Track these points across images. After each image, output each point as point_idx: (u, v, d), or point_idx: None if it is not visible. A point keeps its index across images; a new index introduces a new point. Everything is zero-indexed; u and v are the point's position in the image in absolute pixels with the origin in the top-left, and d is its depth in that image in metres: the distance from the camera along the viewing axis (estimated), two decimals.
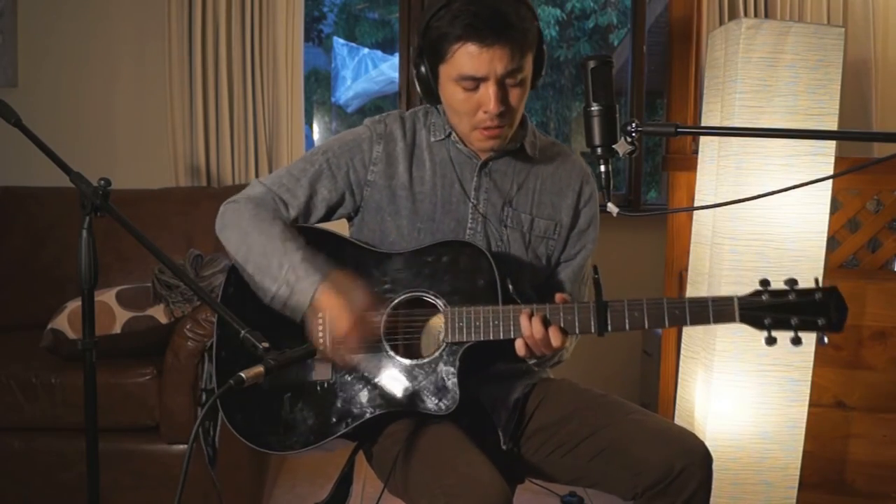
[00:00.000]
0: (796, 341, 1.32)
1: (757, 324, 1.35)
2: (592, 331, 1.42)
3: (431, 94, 1.55)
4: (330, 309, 1.45)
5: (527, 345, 1.43)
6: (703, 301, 1.38)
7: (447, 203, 1.59)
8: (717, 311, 1.37)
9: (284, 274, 1.46)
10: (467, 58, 1.43)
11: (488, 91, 1.45)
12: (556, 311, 1.43)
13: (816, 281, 1.34)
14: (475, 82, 1.46)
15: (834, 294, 1.33)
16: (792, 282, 1.34)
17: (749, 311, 1.35)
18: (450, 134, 1.60)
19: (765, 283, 1.35)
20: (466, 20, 1.41)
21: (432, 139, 1.62)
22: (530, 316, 1.42)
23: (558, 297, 1.46)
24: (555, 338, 1.41)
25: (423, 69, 1.52)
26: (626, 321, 1.40)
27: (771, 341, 1.34)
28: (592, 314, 1.41)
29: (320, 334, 1.47)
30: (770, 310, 1.34)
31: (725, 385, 2.13)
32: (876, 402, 2.33)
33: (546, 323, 1.41)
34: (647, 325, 1.39)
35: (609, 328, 1.40)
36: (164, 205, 2.88)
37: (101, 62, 3.24)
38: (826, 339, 1.32)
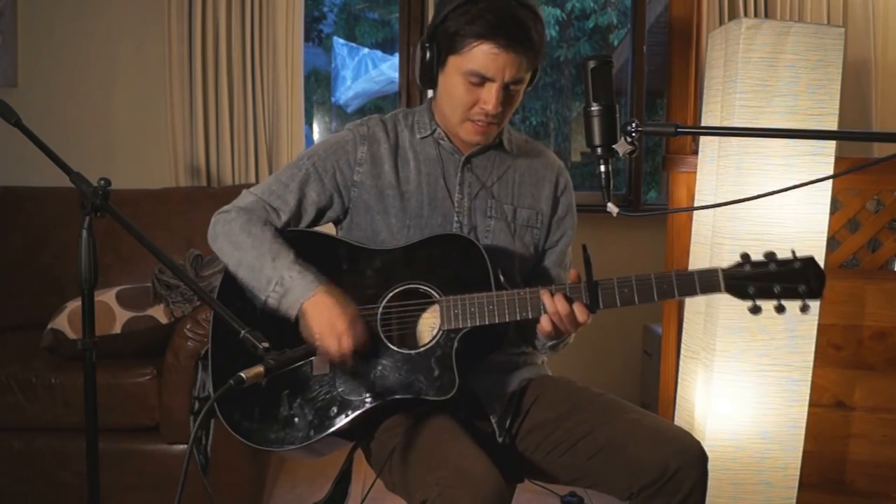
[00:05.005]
0: (780, 309, 1.37)
1: (741, 293, 1.39)
2: None
3: (430, 79, 1.60)
4: (323, 311, 1.46)
5: (552, 322, 1.45)
6: (689, 274, 1.43)
7: (433, 199, 1.63)
8: (703, 282, 1.41)
9: (274, 286, 1.49)
10: (482, 56, 1.49)
11: (492, 91, 1.52)
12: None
13: (793, 252, 1.39)
14: (482, 80, 1.51)
15: (811, 263, 1.38)
16: (771, 254, 1.40)
17: (733, 281, 1.40)
18: (434, 130, 1.64)
19: (745, 256, 1.41)
20: (492, 22, 1.48)
21: (417, 137, 1.66)
22: (552, 294, 1.44)
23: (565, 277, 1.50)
24: (580, 313, 1.44)
25: (428, 54, 1.57)
26: (617, 298, 1.44)
27: (756, 310, 1.38)
28: (584, 293, 1.44)
29: (316, 335, 1.47)
30: (753, 279, 1.39)
31: (725, 385, 2.13)
32: (876, 402, 2.33)
33: (569, 300, 1.44)
34: (637, 301, 1.43)
35: (601, 305, 1.44)
36: (164, 205, 2.88)
37: (102, 62, 3.24)
38: (809, 308, 1.37)
